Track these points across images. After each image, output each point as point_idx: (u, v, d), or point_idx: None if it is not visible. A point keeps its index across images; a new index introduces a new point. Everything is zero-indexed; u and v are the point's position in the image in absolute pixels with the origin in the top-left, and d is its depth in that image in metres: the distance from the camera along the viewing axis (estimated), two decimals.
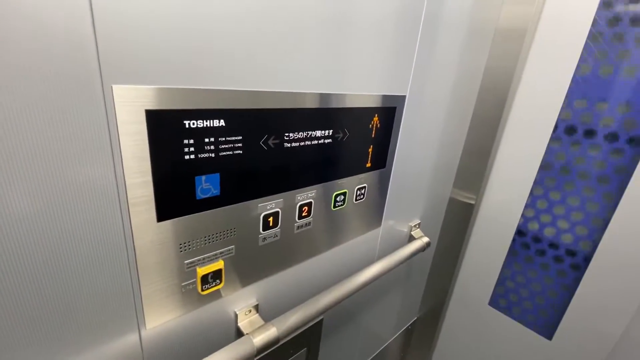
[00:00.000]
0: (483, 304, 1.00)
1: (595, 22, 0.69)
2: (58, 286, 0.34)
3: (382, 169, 0.67)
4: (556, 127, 0.77)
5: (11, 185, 0.28)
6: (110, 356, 0.40)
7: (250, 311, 0.54)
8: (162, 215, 0.38)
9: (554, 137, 0.78)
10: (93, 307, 0.37)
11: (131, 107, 0.33)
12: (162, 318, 0.43)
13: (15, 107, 0.27)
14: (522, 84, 0.81)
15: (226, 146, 0.41)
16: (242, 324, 0.52)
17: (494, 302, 0.98)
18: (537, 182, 0.83)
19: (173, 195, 0.39)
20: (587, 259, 0.77)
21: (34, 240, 0.31)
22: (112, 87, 0.31)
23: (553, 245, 0.84)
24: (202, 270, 0.44)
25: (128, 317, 0.40)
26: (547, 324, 0.89)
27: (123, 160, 0.34)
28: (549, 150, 0.80)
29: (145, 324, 0.42)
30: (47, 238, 0.32)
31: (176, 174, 0.38)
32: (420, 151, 0.78)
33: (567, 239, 0.81)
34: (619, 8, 0.66)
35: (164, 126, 0.35)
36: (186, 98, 0.36)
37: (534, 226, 0.86)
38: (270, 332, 0.50)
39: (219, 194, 0.43)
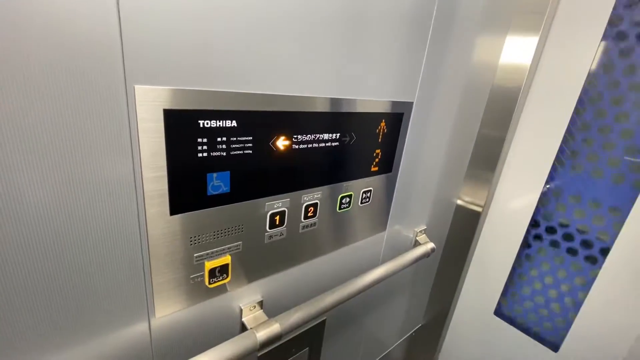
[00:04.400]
0: (488, 313, 0.99)
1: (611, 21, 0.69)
2: (75, 273, 0.36)
3: (388, 174, 0.68)
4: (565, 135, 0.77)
5: (38, 176, 0.31)
6: (120, 343, 0.42)
7: (254, 307, 0.55)
8: (174, 209, 0.41)
9: (564, 146, 0.78)
10: (107, 294, 0.39)
11: (150, 106, 0.35)
12: (170, 308, 0.45)
13: (47, 103, 0.30)
14: (532, 90, 0.81)
15: (237, 146, 0.43)
16: (247, 319, 0.54)
17: (499, 312, 0.97)
18: (545, 193, 0.83)
19: (186, 191, 0.41)
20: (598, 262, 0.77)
21: (55, 228, 0.33)
22: (134, 87, 0.33)
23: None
24: (210, 264, 0.46)
25: (139, 306, 0.42)
26: (553, 336, 0.87)
27: (141, 156, 0.36)
28: (557, 160, 0.79)
29: (154, 313, 0.44)
30: (67, 227, 0.34)
31: (189, 170, 0.40)
32: (427, 157, 0.78)
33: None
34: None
35: (179, 125, 0.38)
36: (201, 99, 0.38)
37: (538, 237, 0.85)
38: (273, 328, 0.51)
39: (228, 191, 0.45)
